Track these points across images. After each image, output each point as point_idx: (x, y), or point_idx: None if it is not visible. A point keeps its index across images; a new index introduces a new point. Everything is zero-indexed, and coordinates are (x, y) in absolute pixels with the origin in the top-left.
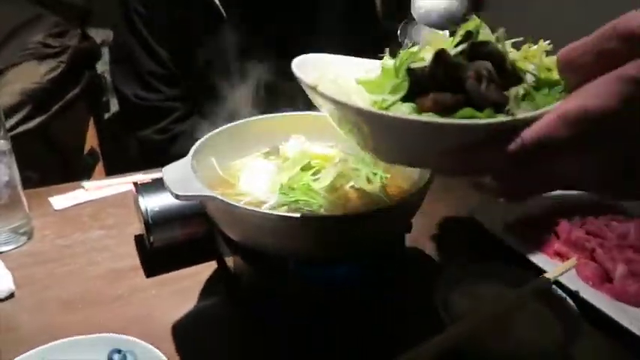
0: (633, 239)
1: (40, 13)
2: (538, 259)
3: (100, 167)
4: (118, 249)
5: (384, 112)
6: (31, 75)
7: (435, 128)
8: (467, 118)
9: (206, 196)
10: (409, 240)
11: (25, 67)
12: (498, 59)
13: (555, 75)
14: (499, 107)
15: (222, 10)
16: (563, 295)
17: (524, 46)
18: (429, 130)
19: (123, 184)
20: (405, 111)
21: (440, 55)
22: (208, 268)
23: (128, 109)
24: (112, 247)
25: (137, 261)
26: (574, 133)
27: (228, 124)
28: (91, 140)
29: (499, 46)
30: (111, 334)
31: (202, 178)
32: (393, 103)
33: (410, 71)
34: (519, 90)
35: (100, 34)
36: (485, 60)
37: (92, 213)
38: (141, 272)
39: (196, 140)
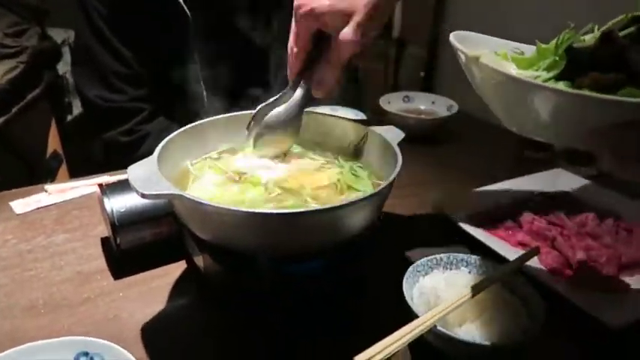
0: (591, 227)
1: None
2: (502, 248)
3: (63, 170)
4: (84, 252)
5: (551, 86)
6: None
7: (604, 103)
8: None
9: (173, 194)
10: (379, 233)
11: None
12: None
13: None
14: None
15: (187, 10)
16: (527, 282)
17: None
18: (591, 104)
19: (87, 186)
20: (561, 87)
21: (609, 35)
22: (177, 268)
23: (92, 111)
24: (77, 251)
25: (104, 264)
26: None
27: (194, 123)
28: (54, 143)
29: None
30: (77, 336)
31: (168, 177)
32: (547, 80)
33: (570, 50)
34: None
35: (60, 34)
36: None
37: (55, 216)
38: (108, 275)
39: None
